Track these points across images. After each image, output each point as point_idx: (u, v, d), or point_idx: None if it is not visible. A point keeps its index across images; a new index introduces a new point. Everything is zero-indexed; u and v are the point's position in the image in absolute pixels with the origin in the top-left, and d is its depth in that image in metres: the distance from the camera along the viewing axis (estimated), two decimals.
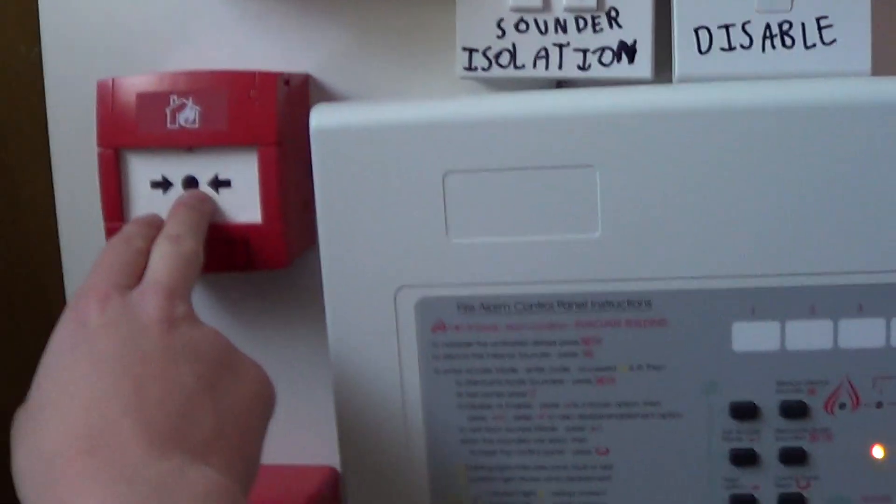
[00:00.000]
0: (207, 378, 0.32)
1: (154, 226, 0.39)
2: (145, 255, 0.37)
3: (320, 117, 0.38)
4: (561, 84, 0.41)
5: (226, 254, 0.41)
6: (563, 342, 0.38)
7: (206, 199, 0.41)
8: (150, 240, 0.38)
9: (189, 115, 0.41)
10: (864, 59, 0.38)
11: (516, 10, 0.39)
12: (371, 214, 0.38)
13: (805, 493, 0.38)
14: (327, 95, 0.44)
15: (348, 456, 0.40)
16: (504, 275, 0.38)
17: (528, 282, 0.38)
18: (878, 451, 0.38)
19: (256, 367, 0.35)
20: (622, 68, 0.39)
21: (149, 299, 0.34)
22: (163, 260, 0.36)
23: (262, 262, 0.41)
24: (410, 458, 0.39)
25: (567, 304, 0.38)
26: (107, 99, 0.42)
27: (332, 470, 0.46)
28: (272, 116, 0.40)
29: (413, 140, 0.37)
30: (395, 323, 0.39)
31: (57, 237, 0.47)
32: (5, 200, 0.48)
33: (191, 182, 0.42)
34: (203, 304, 0.46)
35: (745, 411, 0.38)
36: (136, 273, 0.36)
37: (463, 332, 0.39)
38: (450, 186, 0.37)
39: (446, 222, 0.38)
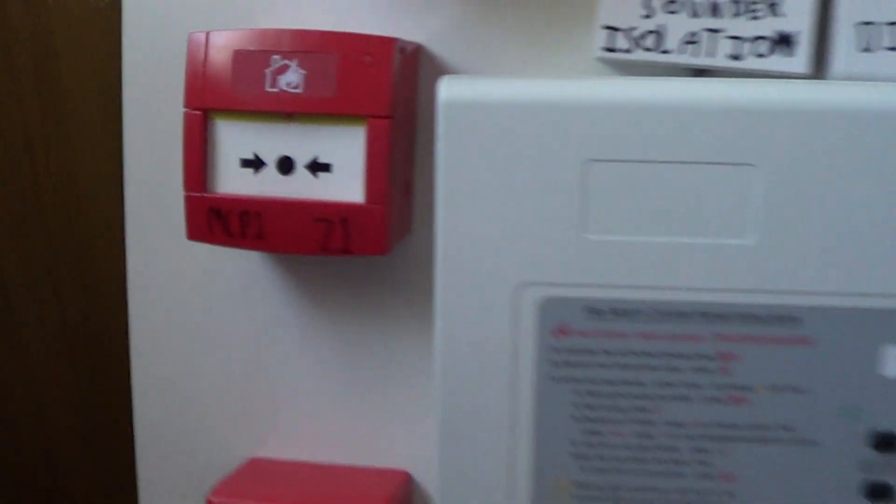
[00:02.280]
0: None
1: None
2: None
3: (450, 89, 0.34)
4: (699, 73, 0.38)
5: (321, 235, 0.38)
6: (698, 356, 0.35)
7: None
8: None
9: (292, 78, 0.37)
10: None
11: None
12: (498, 200, 0.34)
13: None
14: (438, 69, 0.40)
15: (447, 459, 0.36)
16: (641, 278, 0.34)
17: (668, 287, 0.34)
18: None
19: None
20: (778, 61, 0.36)
21: None
22: None
23: (361, 247, 0.38)
24: (514, 469, 0.36)
25: (708, 314, 0.34)
26: (198, 55, 0.38)
27: (407, 475, 0.42)
28: (387, 86, 0.37)
29: (554, 122, 0.34)
30: (514, 323, 0.35)
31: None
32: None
33: (286, 164, 0.38)
34: (293, 290, 0.42)
35: (887, 441, 0.35)
36: None
37: (588, 339, 0.35)
38: (590, 176, 0.34)
39: (582, 215, 0.34)
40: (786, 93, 0.33)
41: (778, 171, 0.33)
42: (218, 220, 0.38)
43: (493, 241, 0.35)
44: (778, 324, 0.34)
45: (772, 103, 0.33)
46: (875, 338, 0.34)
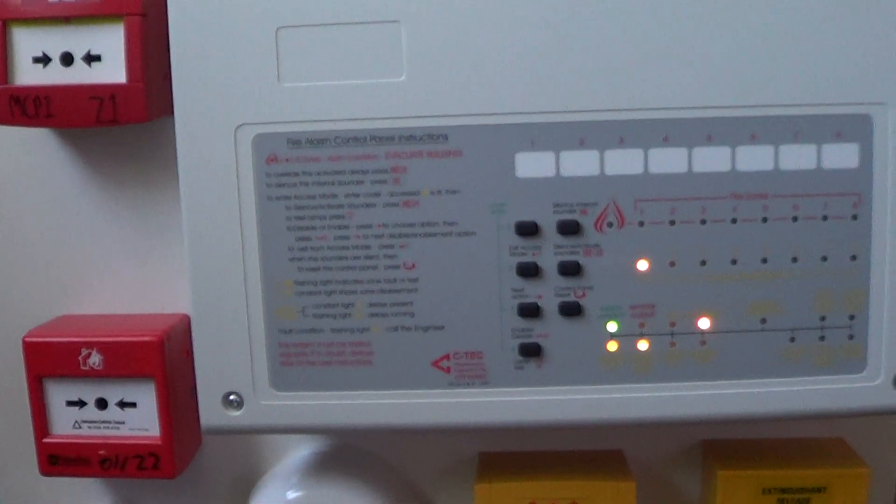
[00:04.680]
0: None
1: None
2: None
3: None
4: None
5: (96, 110, 0.48)
6: (375, 171, 0.45)
7: None
8: None
9: None
10: None
11: None
12: (216, 64, 0.45)
13: (581, 302, 0.46)
14: None
15: (197, 277, 0.46)
16: (326, 114, 0.45)
17: (346, 119, 0.45)
18: (642, 265, 0.46)
19: None
20: None
21: None
22: None
23: (126, 116, 0.48)
24: (248, 277, 0.46)
25: (378, 138, 0.45)
26: None
27: (186, 315, 0.53)
28: None
29: (251, 2, 0.45)
30: (235, 156, 0.45)
31: None
32: None
33: (67, 57, 0.49)
34: (70, 157, 0.52)
35: (527, 229, 0.45)
36: None
37: (292, 164, 0.45)
38: (281, 39, 0.45)
39: (278, 70, 0.45)
40: None
41: (417, 25, 0.44)
42: (17, 106, 0.48)
43: (216, 95, 0.45)
44: (431, 141, 0.45)
45: None
46: (508, 147, 0.45)
